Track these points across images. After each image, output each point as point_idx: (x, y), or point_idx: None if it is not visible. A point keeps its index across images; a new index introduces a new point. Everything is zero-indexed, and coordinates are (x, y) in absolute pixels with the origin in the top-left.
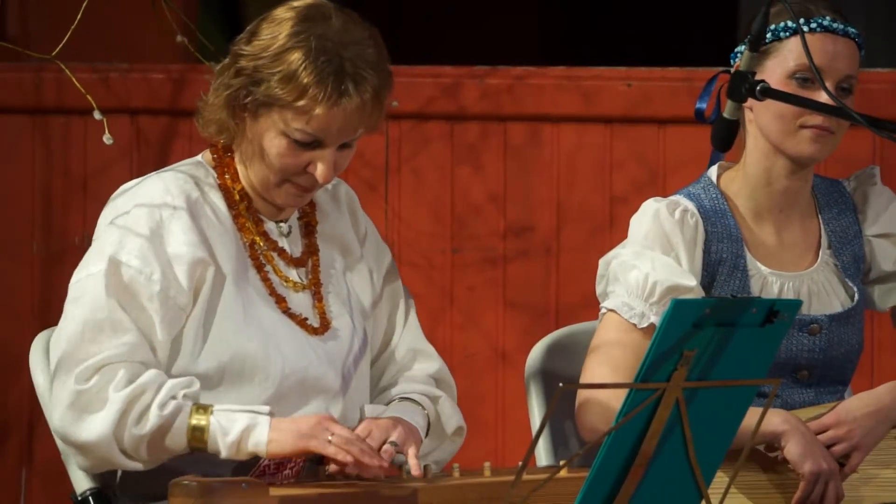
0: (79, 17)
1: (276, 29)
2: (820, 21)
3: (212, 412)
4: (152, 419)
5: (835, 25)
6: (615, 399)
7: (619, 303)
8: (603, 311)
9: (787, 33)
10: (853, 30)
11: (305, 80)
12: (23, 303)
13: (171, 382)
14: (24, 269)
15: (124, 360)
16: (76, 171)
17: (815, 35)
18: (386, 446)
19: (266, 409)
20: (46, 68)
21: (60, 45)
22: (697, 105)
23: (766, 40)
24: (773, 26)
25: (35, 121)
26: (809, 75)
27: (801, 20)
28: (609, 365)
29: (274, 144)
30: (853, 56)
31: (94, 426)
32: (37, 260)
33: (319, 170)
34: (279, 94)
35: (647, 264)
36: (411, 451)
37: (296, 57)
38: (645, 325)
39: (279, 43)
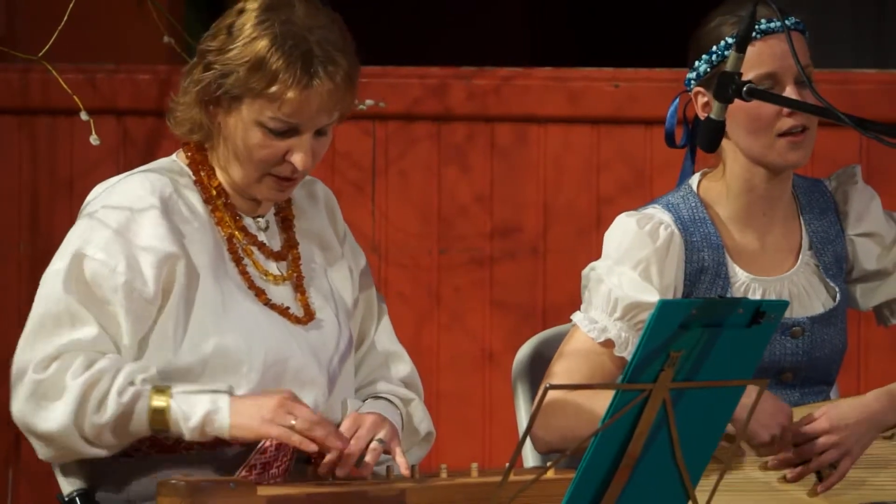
0: (65, 17)
1: (240, 22)
2: (756, 27)
3: (171, 395)
4: (112, 407)
5: (772, 25)
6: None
7: (582, 315)
8: (572, 321)
9: (731, 50)
10: (791, 19)
11: (275, 66)
12: (9, 303)
13: (128, 367)
14: (10, 270)
15: (83, 349)
16: (63, 171)
17: (757, 43)
18: (374, 444)
19: (225, 386)
20: (33, 69)
21: (47, 46)
22: (667, 128)
23: (714, 63)
24: (713, 48)
25: (21, 121)
26: (767, 84)
27: (738, 32)
28: (566, 375)
29: (250, 136)
30: (801, 46)
31: (54, 416)
32: (23, 260)
33: (297, 157)
34: (249, 84)
35: (613, 279)
36: (398, 450)
37: (263, 45)
38: (602, 339)
39: (245, 33)
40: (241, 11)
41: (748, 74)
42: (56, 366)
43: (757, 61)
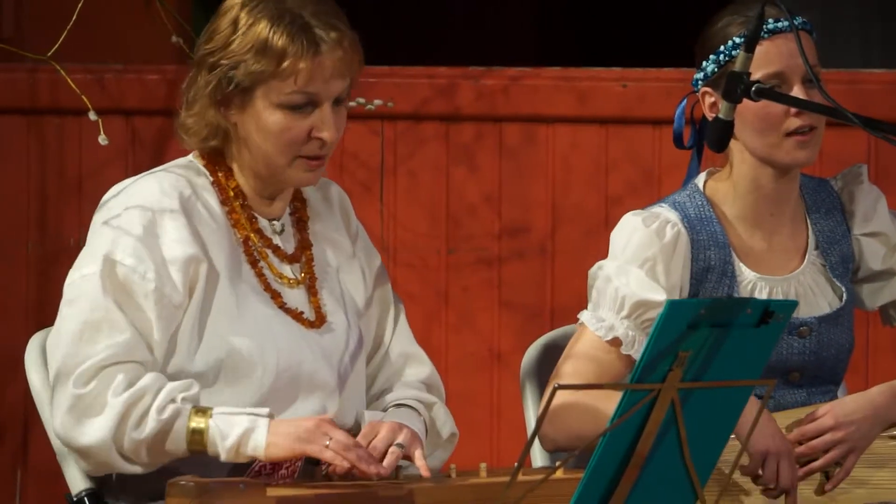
0: (74, 17)
1: (232, 15)
2: (764, 27)
3: (211, 415)
4: (151, 423)
5: (779, 25)
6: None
7: (589, 314)
8: (579, 320)
9: (738, 49)
10: (798, 19)
11: (280, 44)
12: (18, 303)
13: (169, 386)
14: (19, 270)
15: (122, 361)
16: (71, 171)
17: (764, 42)
18: (393, 448)
19: (265, 411)
20: (41, 69)
21: (56, 46)
22: (675, 129)
23: (721, 63)
24: (721, 48)
25: (30, 121)
26: (775, 82)
27: (747, 32)
28: (573, 375)
29: (272, 122)
30: (808, 45)
31: (94, 431)
32: (32, 260)
33: (323, 130)
34: (260, 68)
35: (621, 278)
36: (417, 454)
37: (262, 27)
38: (609, 337)
39: (241, 22)
40: (230, 8)
41: (755, 74)
42: (97, 381)
43: (765, 60)
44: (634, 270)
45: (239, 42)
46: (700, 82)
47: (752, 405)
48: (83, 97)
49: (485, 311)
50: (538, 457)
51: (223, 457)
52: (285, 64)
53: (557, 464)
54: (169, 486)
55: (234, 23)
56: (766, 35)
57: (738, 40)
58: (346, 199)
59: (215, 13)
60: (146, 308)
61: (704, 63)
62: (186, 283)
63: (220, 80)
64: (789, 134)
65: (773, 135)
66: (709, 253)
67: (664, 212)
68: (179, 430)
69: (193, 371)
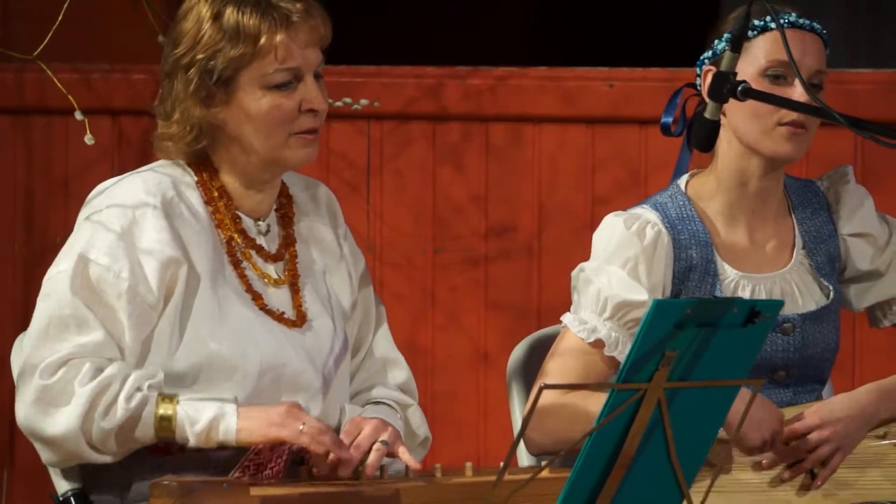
0: (60, 17)
1: (194, 12)
2: (786, 17)
3: (178, 402)
4: (120, 412)
5: (801, 21)
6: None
7: (572, 317)
8: (562, 322)
9: (755, 32)
10: (818, 26)
11: (252, 23)
12: (4, 303)
13: (136, 373)
14: (5, 270)
15: (90, 356)
16: (58, 171)
17: (786, 30)
18: (377, 445)
19: (231, 396)
20: (28, 68)
21: (42, 46)
22: (663, 120)
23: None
24: (736, 26)
25: (16, 121)
26: (781, 71)
27: (768, 18)
28: (558, 376)
29: (261, 105)
30: (821, 52)
31: (61, 421)
32: (18, 260)
33: (312, 100)
34: (238, 53)
35: (602, 279)
36: (402, 449)
37: (229, 13)
38: (592, 339)
39: (206, 17)
40: (190, 8)
41: (768, 56)
42: (63, 372)
43: (778, 47)
44: (616, 271)
45: (209, 34)
46: (707, 60)
47: (743, 395)
48: (70, 97)
49: (471, 310)
50: (524, 456)
51: (192, 442)
52: (262, 41)
53: (543, 463)
54: (152, 486)
55: (199, 18)
56: (786, 25)
57: (756, 22)
58: (335, 200)
59: (174, 21)
60: (118, 308)
61: (717, 42)
62: (163, 285)
63: (200, 76)
64: (783, 123)
65: (767, 120)
66: (691, 252)
67: (645, 213)
68: (147, 418)
69: (174, 372)
